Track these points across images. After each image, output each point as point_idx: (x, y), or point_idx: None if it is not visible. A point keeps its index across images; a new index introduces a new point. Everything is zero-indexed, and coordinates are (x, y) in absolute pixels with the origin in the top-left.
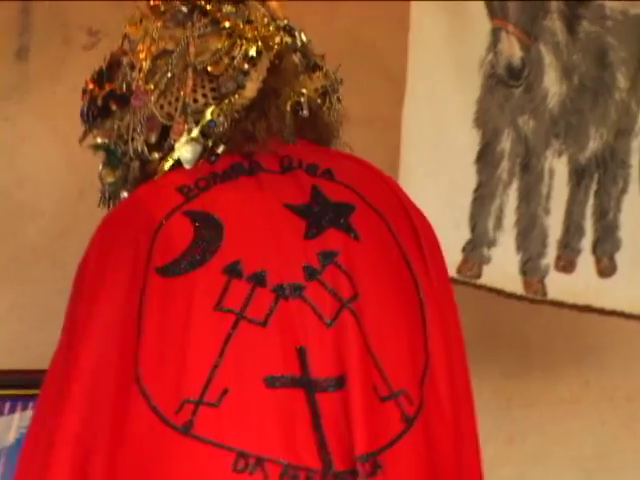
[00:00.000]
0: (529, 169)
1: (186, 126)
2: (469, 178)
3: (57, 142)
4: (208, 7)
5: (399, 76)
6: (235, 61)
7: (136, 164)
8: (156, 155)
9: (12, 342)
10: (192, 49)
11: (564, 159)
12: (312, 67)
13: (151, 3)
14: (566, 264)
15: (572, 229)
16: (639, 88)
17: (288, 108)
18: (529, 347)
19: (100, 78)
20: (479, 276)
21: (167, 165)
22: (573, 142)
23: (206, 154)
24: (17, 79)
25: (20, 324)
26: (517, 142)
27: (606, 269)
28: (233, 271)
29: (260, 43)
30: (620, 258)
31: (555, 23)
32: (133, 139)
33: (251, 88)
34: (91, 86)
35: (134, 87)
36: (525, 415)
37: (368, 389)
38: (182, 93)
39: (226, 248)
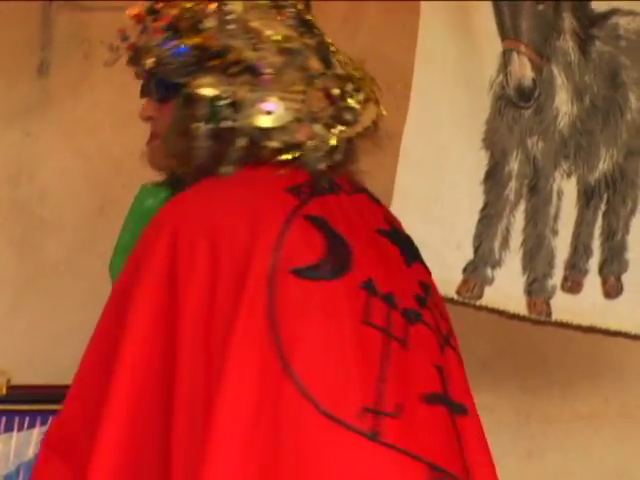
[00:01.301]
0: (537, 190)
1: (312, 132)
2: (476, 198)
3: (78, 157)
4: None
5: None
6: (352, 99)
7: (243, 141)
8: (275, 143)
9: (32, 357)
10: (314, 63)
11: (573, 180)
12: None
13: None
14: (573, 285)
15: (580, 250)
16: None
17: None
18: (547, 363)
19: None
20: (480, 297)
21: (284, 157)
22: (583, 163)
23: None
24: (38, 95)
25: (40, 339)
26: (525, 163)
27: (612, 290)
28: (369, 288)
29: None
30: (627, 279)
31: (568, 43)
32: (250, 115)
33: (357, 128)
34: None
35: (259, 61)
36: (544, 431)
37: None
38: (314, 102)
39: (358, 264)
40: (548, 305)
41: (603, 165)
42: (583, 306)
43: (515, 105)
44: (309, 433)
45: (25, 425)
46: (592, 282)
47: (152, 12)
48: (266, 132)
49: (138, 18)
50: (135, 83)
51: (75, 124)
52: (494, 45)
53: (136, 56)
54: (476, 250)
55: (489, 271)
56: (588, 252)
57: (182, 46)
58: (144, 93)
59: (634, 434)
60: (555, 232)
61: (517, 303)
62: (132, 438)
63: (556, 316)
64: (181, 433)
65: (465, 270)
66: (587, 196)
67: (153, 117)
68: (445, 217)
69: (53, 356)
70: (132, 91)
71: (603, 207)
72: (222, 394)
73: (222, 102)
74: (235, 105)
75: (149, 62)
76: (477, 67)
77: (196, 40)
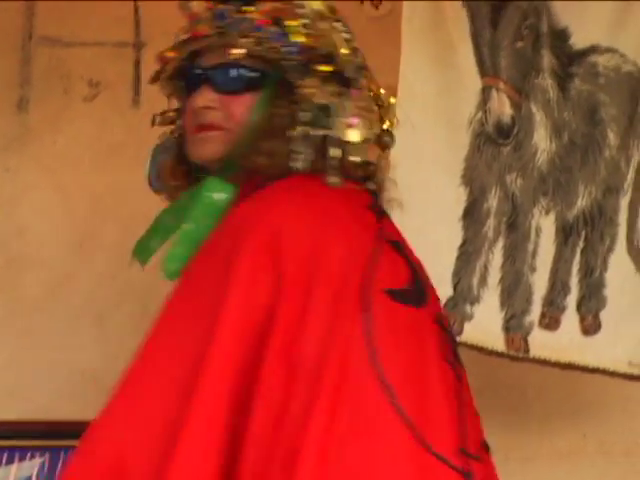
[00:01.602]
0: (516, 227)
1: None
2: (455, 235)
3: (57, 192)
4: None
5: None
6: (388, 124)
7: (338, 152)
8: (357, 159)
9: (10, 393)
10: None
11: (551, 217)
12: None
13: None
14: (550, 321)
15: (557, 286)
16: (629, 146)
17: None
18: (527, 400)
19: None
20: (460, 333)
21: (360, 174)
22: (561, 200)
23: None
24: (18, 130)
25: (18, 375)
26: (504, 200)
27: (590, 327)
28: (440, 322)
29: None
30: (605, 316)
31: (547, 81)
32: (339, 126)
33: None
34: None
35: (348, 73)
36: (522, 468)
37: None
38: (375, 122)
39: (430, 296)
40: (526, 342)
41: (581, 202)
42: (561, 343)
43: (494, 142)
44: (406, 462)
45: (4, 461)
46: (570, 319)
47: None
48: (349, 146)
49: (210, 4)
50: (114, 118)
51: (55, 159)
52: (474, 82)
53: (210, 40)
54: (455, 286)
55: (468, 307)
56: (566, 289)
57: (297, 43)
58: (201, 82)
59: (612, 471)
60: (533, 269)
61: (495, 339)
62: (219, 440)
63: (534, 352)
64: (259, 436)
65: (445, 306)
66: (565, 233)
67: (212, 107)
68: (424, 253)
69: (31, 392)
70: (112, 126)
71: (581, 244)
72: (319, 405)
73: (323, 109)
74: (328, 114)
75: (236, 52)
76: (457, 104)
77: (304, 40)
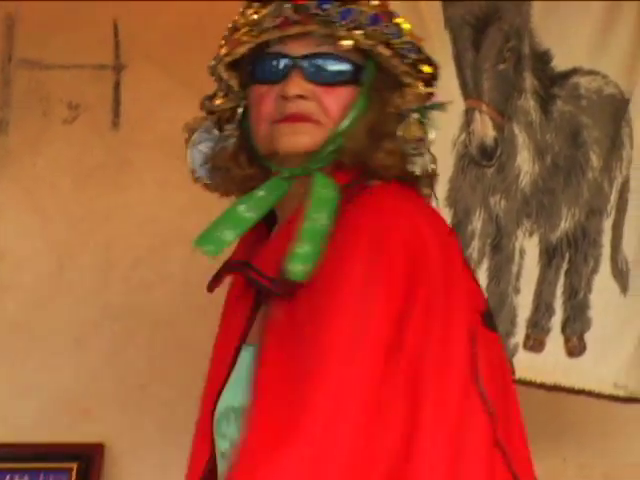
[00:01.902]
0: (500, 249)
1: None
2: None
3: (37, 215)
4: None
5: None
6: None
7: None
8: (434, 166)
9: None
10: None
11: (535, 238)
12: None
13: None
14: (535, 343)
15: (542, 308)
16: (612, 167)
17: None
18: None
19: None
20: None
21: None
22: (544, 222)
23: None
24: None
25: None
26: (488, 222)
27: (575, 348)
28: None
29: None
30: (590, 337)
31: (529, 102)
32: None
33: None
34: None
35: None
36: None
37: None
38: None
39: None
40: (511, 364)
41: (565, 224)
42: (546, 364)
43: (478, 164)
44: None
45: None
46: (555, 341)
47: None
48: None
49: None
50: (94, 140)
51: (34, 181)
52: (457, 104)
53: (310, 28)
54: None
55: None
56: (550, 311)
57: (413, 42)
58: (288, 70)
59: None
60: (517, 290)
61: None
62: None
63: (519, 374)
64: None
65: None
66: (549, 255)
67: (306, 97)
68: None
69: (11, 414)
70: (91, 148)
71: (565, 266)
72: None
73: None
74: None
75: (345, 43)
76: (440, 125)
77: (415, 39)
